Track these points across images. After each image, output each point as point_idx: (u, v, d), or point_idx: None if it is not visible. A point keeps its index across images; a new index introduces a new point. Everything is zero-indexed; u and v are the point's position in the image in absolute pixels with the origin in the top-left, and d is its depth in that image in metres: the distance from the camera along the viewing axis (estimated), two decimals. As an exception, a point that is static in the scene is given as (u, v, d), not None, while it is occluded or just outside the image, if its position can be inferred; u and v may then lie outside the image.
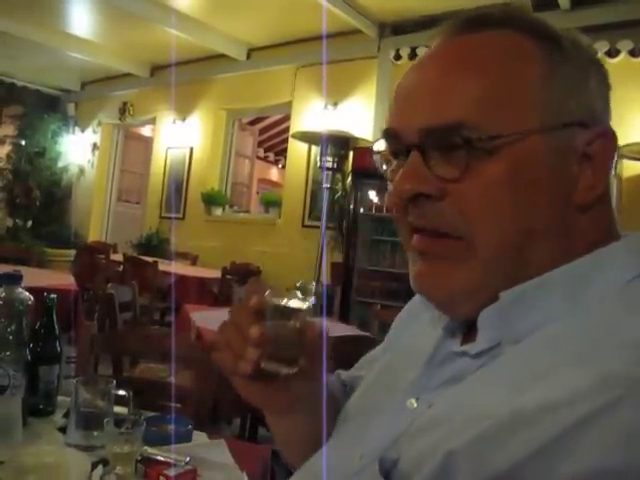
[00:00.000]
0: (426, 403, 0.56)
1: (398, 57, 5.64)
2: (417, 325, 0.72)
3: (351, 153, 5.32)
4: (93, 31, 7.14)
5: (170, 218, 7.51)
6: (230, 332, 0.62)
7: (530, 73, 0.53)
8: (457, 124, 0.52)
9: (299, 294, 0.62)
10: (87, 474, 0.92)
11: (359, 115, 5.89)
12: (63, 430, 1.18)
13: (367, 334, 3.03)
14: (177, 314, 4.69)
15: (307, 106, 6.38)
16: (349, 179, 5.40)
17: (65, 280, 3.64)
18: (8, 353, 1.11)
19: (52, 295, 1.26)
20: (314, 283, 0.63)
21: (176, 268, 5.30)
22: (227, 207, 7.41)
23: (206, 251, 6.70)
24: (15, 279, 1.09)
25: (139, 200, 9.25)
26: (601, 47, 4.39)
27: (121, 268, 4.78)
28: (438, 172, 0.53)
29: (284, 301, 0.62)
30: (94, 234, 8.81)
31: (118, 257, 5.92)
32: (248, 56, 7.05)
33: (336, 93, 6.05)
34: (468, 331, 0.59)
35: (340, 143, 5.32)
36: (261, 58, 6.93)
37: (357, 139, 5.39)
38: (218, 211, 7.29)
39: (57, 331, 1.27)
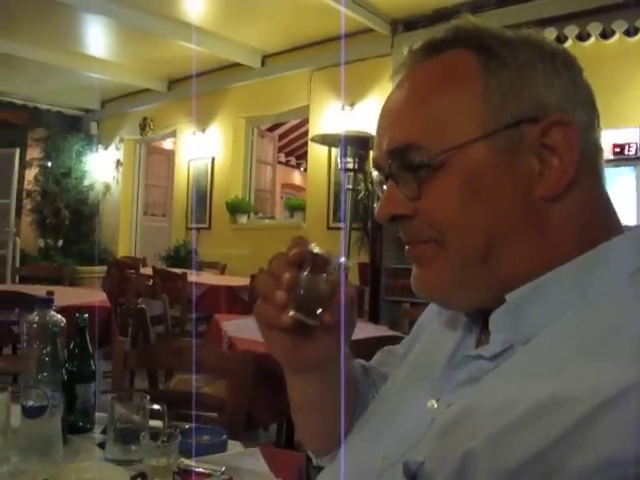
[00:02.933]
0: (445, 404, 0.58)
1: (412, 53, 5.63)
2: (438, 326, 0.73)
3: (371, 153, 5.34)
4: (110, 51, 7.28)
5: (196, 229, 7.60)
6: (264, 279, 0.63)
7: (466, 89, 0.58)
8: (406, 147, 0.59)
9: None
10: (127, 489, 0.95)
11: (377, 114, 5.83)
12: (102, 446, 1.22)
13: (398, 334, 3.03)
14: (208, 324, 4.76)
15: (324, 108, 6.40)
16: (370, 179, 5.39)
17: (97, 297, 3.71)
18: (45, 374, 1.14)
19: (84, 315, 1.29)
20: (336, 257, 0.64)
21: (205, 278, 5.36)
22: (252, 214, 7.47)
23: (234, 259, 6.75)
24: (47, 303, 1.12)
25: (165, 213, 9.37)
26: (595, 29, 4.35)
27: (151, 282, 4.84)
28: (405, 193, 0.60)
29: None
30: (123, 249, 8.95)
31: (148, 270, 6.00)
32: (263, 63, 7.10)
33: (352, 93, 6.05)
34: (485, 328, 0.60)
35: (359, 143, 5.32)
36: (276, 64, 6.98)
37: (376, 138, 5.40)
38: (243, 219, 7.35)
39: (91, 350, 1.31)
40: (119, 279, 5.55)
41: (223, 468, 1.08)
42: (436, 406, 0.59)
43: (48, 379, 1.14)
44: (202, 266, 6.61)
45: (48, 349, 1.14)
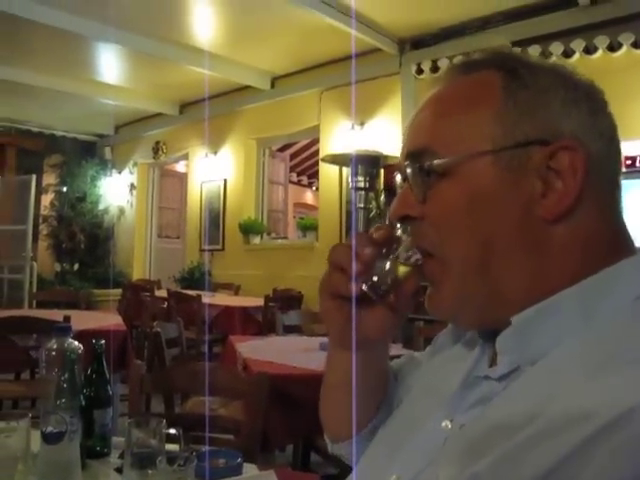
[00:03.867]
0: (458, 424, 0.59)
1: (420, 71, 5.66)
2: (458, 345, 0.74)
3: (382, 171, 5.36)
4: (123, 77, 7.41)
5: (210, 250, 7.64)
6: (341, 250, 0.66)
7: (484, 105, 0.61)
8: (421, 151, 0.62)
9: None
10: (144, 513, 0.96)
11: (386, 132, 5.91)
12: (119, 470, 1.23)
13: (411, 352, 3.02)
14: (223, 345, 4.78)
15: (334, 128, 6.44)
16: (382, 197, 5.41)
17: (113, 320, 3.74)
18: (64, 400, 1.16)
19: (101, 342, 1.32)
20: None
21: (220, 299, 5.39)
22: (265, 235, 7.51)
23: (247, 280, 6.78)
24: (65, 330, 1.15)
25: (179, 235, 9.44)
26: (602, 42, 4.35)
27: (166, 304, 4.88)
28: (415, 196, 0.63)
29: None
30: (138, 272, 9.01)
31: (162, 293, 6.05)
32: (272, 85, 7.17)
33: (362, 112, 6.09)
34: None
35: (370, 162, 5.34)
36: (285, 85, 7.05)
37: (386, 157, 5.42)
38: (256, 239, 7.39)
39: (107, 375, 1.33)
40: (134, 302, 5.60)
41: (239, 491, 1.09)
42: (450, 426, 0.61)
43: (66, 405, 1.16)
44: (216, 287, 6.65)
45: (66, 375, 1.16)
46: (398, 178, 0.69)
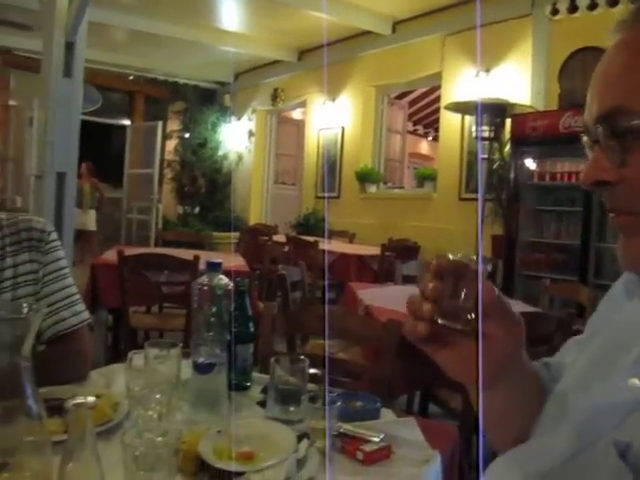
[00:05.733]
0: None
1: (555, 12, 5.25)
2: (632, 304, 0.68)
3: (508, 121, 5.10)
4: (243, 24, 7.50)
5: (325, 197, 7.72)
6: (410, 299, 0.64)
7: None
8: (615, 111, 0.56)
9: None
10: (295, 446, 0.99)
11: (514, 79, 5.59)
12: (261, 404, 1.27)
13: (538, 310, 2.90)
14: (338, 291, 4.84)
15: (457, 75, 6.18)
16: (507, 148, 5.16)
17: (236, 262, 3.89)
18: (211, 334, 1.21)
19: (245, 279, 1.35)
20: (474, 257, 0.63)
21: (335, 246, 5.44)
22: (381, 184, 7.45)
23: (362, 228, 6.80)
24: (216, 266, 1.18)
25: (294, 182, 9.60)
26: None
27: (286, 249, 4.99)
28: (611, 159, 0.57)
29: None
30: (254, 217, 9.30)
31: (279, 238, 6.20)
32: (394, 30, 6.97)
33: (488, 58, 5.78)
34: None
35: (496, 111, 5.11)
36: (407, 30, 6.82)
37: (514, 105, 5.15)
38: (372, 188, 7.36)
39: (250, 312, 1.37)
40: (252, 245, 5.78)
41: (382, 435, 1.09)
42: (639, 384, 0.56)
43: (214, 338, 1.21)
44: (331, 234, 6.73)
45: (215, 310, 1.20)
46: (585, 140, 0.63)
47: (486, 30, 5.61)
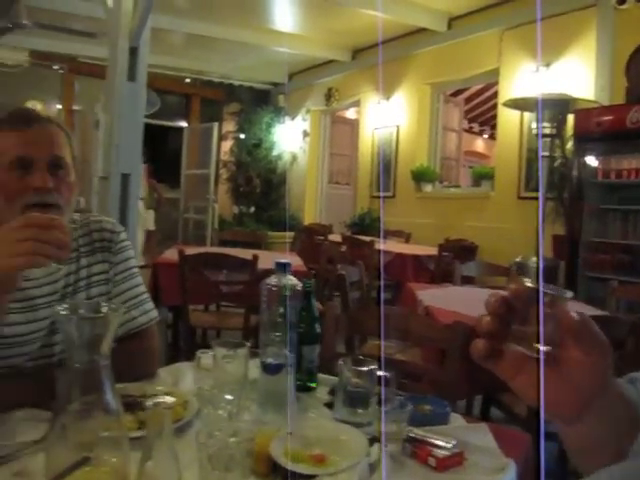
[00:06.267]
0: None
1: (622, 1, 5.04)
2: None
3: (570, 116, 4.94)
4: (296, 25, 7.53)
5: (381, 197, 7.67)
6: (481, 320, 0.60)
7: None
8: None
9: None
10: (367, 450, 0.97)
11: (577, 74, 5.40)
12: (328, 406, 1.27)
13: (605, 313, 2.80)
14: (394, 292, 4.80)
15: (516, 70, 6.02)
16: (569, 144, 5.00)
17: (294, 262, 3.90)
18: (279, 334, 1.21)
19: (310, 280, 1.35)
20: (534, 258, 0.59)
21: (391, 246, 5.40)
22: (437, 183, 7.36)
23: (418, 228, 6.72)
24: (285, 267, 1.18)
25: (348, 181, 9.59)
26: None
27: (343, 248, 4.99)
28: None
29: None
30: (309, 216, 9.34)
31: (334, 237, 6.20)
32: (449, 26, 6.86)
33: (548, 52, 5.61)
34: None
35: (557, 106, 4.94)
36: (463, 26, 6.70)
37: (577, 100, 4.97)
38: (428, 187, 7.27)
39: (316, 313, 1.36)
40: (308, 245, 5.80)
41: (454, 441, 1.06)
42: None
43: (282, 339, 1.21)
44: (387, 234, 6.68)
45: (282, 310, 1.20)
46: None
47: (547, 23, 5.44)
